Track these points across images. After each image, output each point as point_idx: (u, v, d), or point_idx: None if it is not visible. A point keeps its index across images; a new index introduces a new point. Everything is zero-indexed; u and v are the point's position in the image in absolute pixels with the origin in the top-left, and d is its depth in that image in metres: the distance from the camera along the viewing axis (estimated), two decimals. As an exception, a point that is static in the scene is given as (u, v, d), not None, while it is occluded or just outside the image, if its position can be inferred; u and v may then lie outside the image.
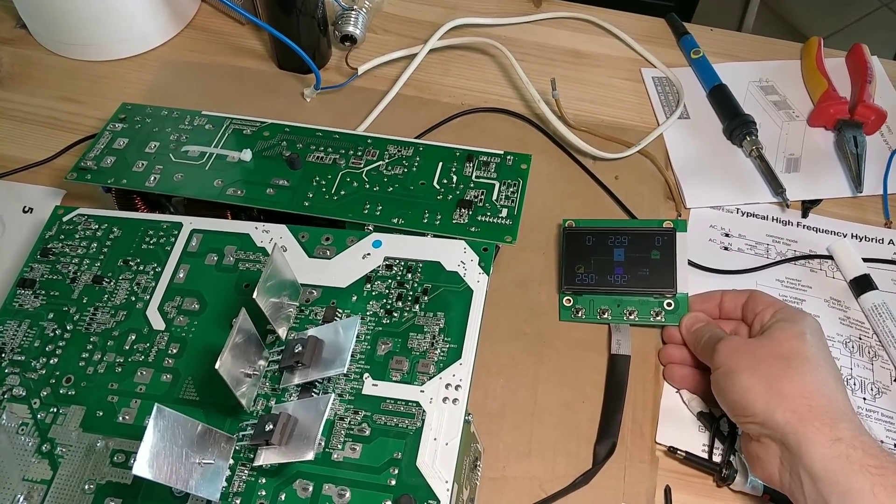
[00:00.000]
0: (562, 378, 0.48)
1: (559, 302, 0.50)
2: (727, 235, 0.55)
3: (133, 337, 0.42)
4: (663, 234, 0.50)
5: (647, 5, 1.51)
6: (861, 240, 0.55)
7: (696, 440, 0.46)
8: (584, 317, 0.50)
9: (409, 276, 0.42)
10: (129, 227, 0.46)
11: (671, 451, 0.45)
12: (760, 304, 0.46)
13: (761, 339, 0.43)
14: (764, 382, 0.40)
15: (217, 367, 0.34)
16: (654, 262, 0.49)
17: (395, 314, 0.41)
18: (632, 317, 0.49)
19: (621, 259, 0.50)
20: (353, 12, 0.61)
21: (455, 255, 0.43)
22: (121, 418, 0.39)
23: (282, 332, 0.40)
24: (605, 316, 0.49)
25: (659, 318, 0.49)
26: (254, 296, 0.36)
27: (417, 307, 0.41)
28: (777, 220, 0.56)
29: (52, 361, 0.42)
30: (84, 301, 0.44)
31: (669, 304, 0.49)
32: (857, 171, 0.57)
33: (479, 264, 0.42)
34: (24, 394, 0.41)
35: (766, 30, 1.63)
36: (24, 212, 0.55)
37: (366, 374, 0.39)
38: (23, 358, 0.42)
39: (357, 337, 0.40)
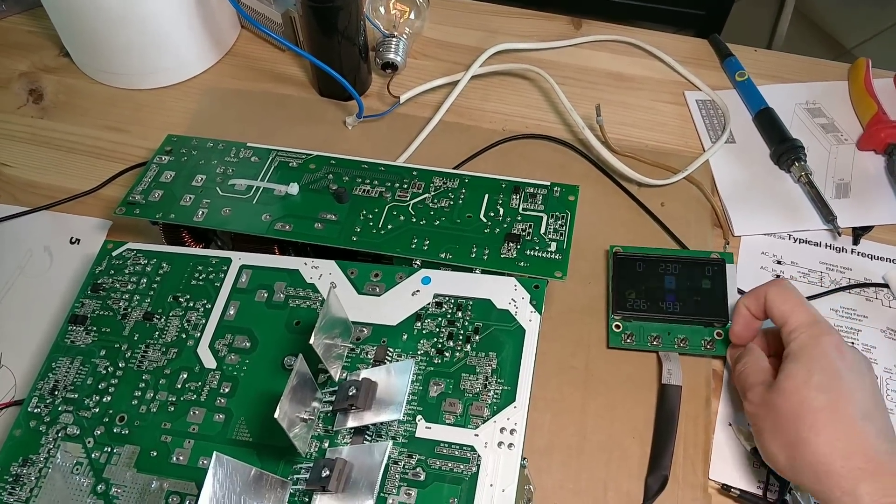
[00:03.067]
0: (611, 413, 0.47)
1: (608, 327, 0.50)
2: (779, 263, 0.54)
3: (185, 375, 0.42)
4: (713, 263, 0.50)
5: (680, 15, 1.50)
6: (917, 267, 0.53)
7: (750, 477, 0.45)
8: (633, 342, 0.49)
9: (460, 314, 0.42)
10: (178, 262, 0.47)
11: (725, 489, 0.44)
12: (778, 318, 0.43)
13: (775, 391, 0.40)
14: (784, 450, 0.39)
15: (276, 416, 0.34)
16: (705, 292, 0.49)
17: (447, 354, 0.41)
18: (682, 345, 0.48)
19: (672, 287, 0.49)
20: (394, 39, 0.61)
21: (506, 292, 0.43)
22: (175, 459, 0.39)
23: (334, 371, 0.40)
24: (656, 343, 0.49)
25: (710, 347, 0.48)
26: (311, 341, 0.36)
27: (469, 347, 0.41)
28: (830, 246, 0.55)
29: (105, 399, 0.42)
30: (135, 338, 0.44)
31: (720, 334, 0.48)
32: (910, 197, 0.56)
33: (530, 302, 0.42)
34: (77, 432, 0.41)
35: (799, 37, 1.61)
36: (72, 243, 0.55)
37: (418, 417, 0.39)
38: (76, 396, 0.42)
39: (409, 378, 0.39)
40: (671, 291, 0.49)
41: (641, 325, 0.49)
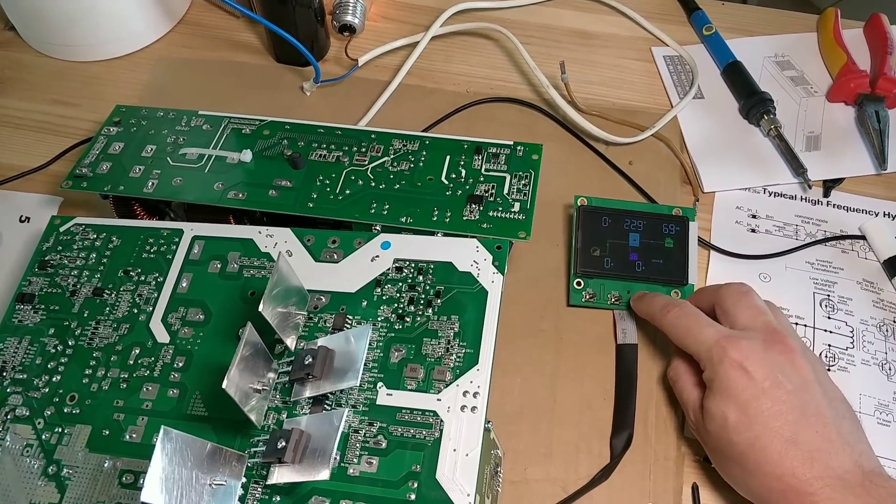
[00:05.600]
0: (581, 375, 0.46)
1: (569, 284, 0.48)
2: (754, 217, 0.53)
3: (137, 351, 0.41)
4: (675, 221, 0.49)
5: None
6: (894, 218, 0.52)
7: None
8: (594, 301, 0.48)
9: (421, 278, 0.41)
10: (128, 235, 0.45)
11: (707, 461, 0.43)
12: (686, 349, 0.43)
13: (704, 428, 0.40)
14: (730, 475, 0.40)
15: (224, 386, 0.32)
16: (668, 251, 0.48)
17: (408, 319, 0.39)
18: (639, 303, 0.47)
19: (636, 245, 0.48)
20: (352, 1, 0.59)
21: (467, 254, 0.41)
22: (128, 437, 0.38)
23: (290, 342, 0.38)
24: (616, 302, 0.48)
25: (668, 306, 0.47)
26: (259, 308, 0.34)
27: (430, 311, 0.39)
28: (806, 199, 0.54)
29: (54, 379, 0.40)
30: (85, 315, 0.42)
31: (677, 293, 0.47)
32: (881, 148, 0.54)
33: (492, 263, 0.41)
34: (27, 414, 0.40)
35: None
36: (21, 221, 0.53)
37: (379, 384, 0.37)
38: (25, 376, 0.41)
39: (369, 345, 0.38)
40: (635, 250, 0.48)
41: (603, 283, 0.48)
